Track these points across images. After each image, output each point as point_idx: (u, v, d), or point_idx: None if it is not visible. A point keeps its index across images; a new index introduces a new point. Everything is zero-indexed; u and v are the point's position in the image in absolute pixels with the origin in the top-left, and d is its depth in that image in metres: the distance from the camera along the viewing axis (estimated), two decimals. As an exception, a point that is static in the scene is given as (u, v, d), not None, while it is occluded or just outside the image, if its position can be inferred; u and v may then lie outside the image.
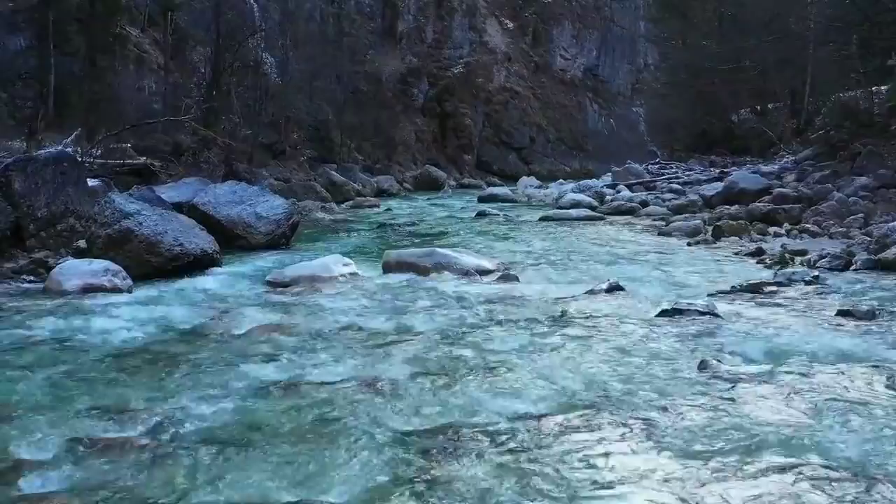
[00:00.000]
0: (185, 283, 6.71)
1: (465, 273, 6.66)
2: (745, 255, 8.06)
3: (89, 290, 6.06)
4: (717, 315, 4.46)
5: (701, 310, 4.48)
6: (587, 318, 4.54)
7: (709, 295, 5.43)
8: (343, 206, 17.46)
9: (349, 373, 3.40)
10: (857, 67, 13.77)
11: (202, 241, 7.57)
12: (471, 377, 3.34)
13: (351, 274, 6.81)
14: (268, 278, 6.76)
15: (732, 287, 5.49)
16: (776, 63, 17.97)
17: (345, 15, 30.37)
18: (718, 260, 7.76)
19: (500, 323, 4.49)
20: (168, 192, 10.64)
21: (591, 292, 5.45)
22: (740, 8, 20.81)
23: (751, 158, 18.22)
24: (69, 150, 10.15)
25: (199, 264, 7.36)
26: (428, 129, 33.14)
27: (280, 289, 6.44)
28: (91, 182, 9.53)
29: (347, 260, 7.04)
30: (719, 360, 3.49)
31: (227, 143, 12.12)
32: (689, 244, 9.16)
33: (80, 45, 14.92)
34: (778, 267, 7.04)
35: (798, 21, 16.71)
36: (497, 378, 3.34)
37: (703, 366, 3.40)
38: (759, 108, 21.54)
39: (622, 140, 42.94)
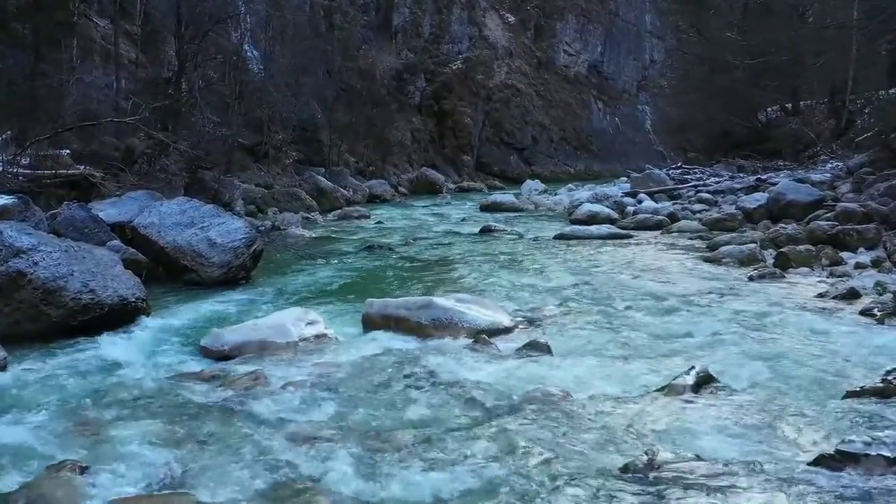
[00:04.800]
0: (85, 351, 4.86)
1: (475, 337, 4.80)
2: (835, 297, 6.21)
3: (-65, 370, 4.22)
4: (917, 466, 2.60)
5: (888, 454, 2.63)
6: (689, 470, 2.66)
7: (849, 394, 3.57)
8: (330, 216, 15.61)
9: None
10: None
11: (122, 284, 5.70)
12: None
13: (317, 336, 4.95)
14: (203, 342, 4.91)
15: (884, 379, 3.62)
16: (814, 56, 16.09)
17: (336, 7, 28.46)
18: (805, 308, 5.89)
19: (537, 490, 2.60)
20: (108, 210, 8.78)
21: (670, 390, 3.58)
22: (771, -5, 18.95)
23: (784, 163, 16.34)
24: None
25: (116, 317, 5.50)
26: (425, 128, 31.21)
27: (216, 362, 4.60)
28: (4, 199, 7.66)
29: (313, 315, 5.16)
30: None
31: (179, 148, 10.16)
32: (750, 278, 7.29)
33: (27, 35, 12.98)
34: (896, 323, 5.20)
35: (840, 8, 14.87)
36: None
37: None
38: (790, 106, 19.63)
39: (628, 140, 41.12)
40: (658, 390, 3.63)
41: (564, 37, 39.86)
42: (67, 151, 9.77)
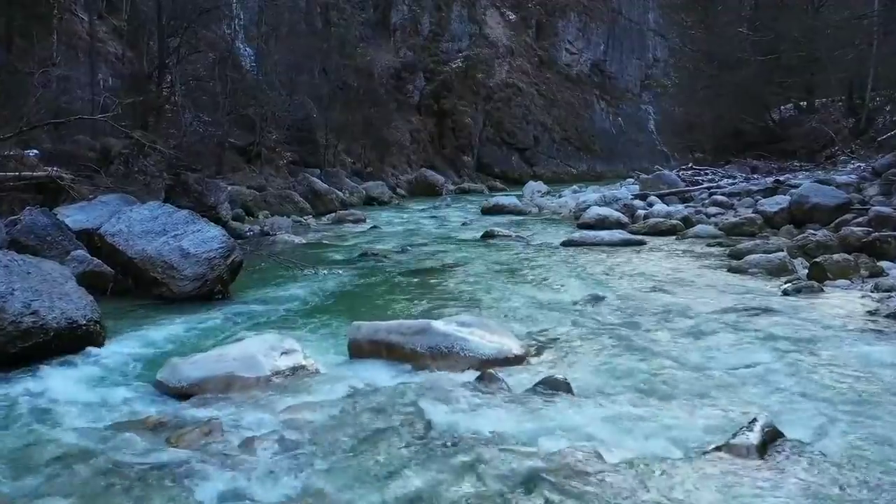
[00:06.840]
0: (19, 387, 4.10)
1: (479, 370, 4.06)
2: (887, 316, 5.46)
3: None
4: None
5: None
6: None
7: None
8: (324, 219, 14.89)
9: None
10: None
11: (72, 305, 4.94)
12: None
13: (293, 369, 4.20)
14: (159, 376, 4.16)
15: None
16: (830, 51, 15.33)
17: (333, 3, 27.74)
18: (858, 330, 5.14)
19: None
20: (75, 216, 8.05)
21: (730, 451, 2.84)
22: (784, -11, 18.17)
23: (800, 163, 15.59)
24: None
25: (64, 343, 4.74)
26: (424, 128, 30.48)
27: (173, 400, 3.87)
28: (-46, 205, 6.92)
29: (290, 343, 4.41)
30: None
31: (156, 147, 9.41)
32: (785, 293, 6.54)
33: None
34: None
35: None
36: None
37: None
38: (805, 104, 18.85)
39: (631, 140, 40.40)
40: (715, 450, 2.88)
41: (566, 35, 39.14)
42: (35, 152, 9.03)
